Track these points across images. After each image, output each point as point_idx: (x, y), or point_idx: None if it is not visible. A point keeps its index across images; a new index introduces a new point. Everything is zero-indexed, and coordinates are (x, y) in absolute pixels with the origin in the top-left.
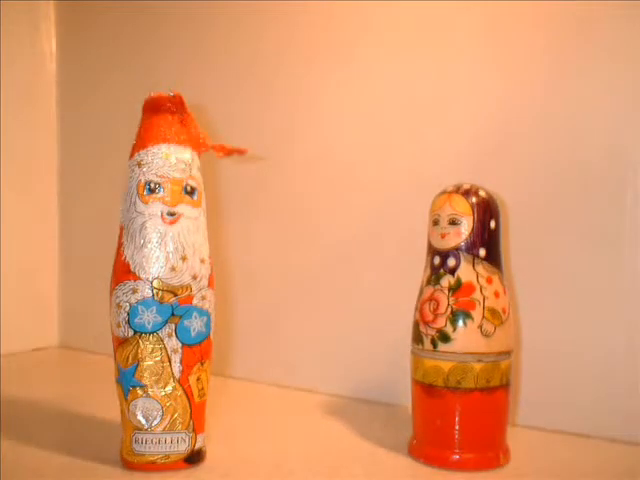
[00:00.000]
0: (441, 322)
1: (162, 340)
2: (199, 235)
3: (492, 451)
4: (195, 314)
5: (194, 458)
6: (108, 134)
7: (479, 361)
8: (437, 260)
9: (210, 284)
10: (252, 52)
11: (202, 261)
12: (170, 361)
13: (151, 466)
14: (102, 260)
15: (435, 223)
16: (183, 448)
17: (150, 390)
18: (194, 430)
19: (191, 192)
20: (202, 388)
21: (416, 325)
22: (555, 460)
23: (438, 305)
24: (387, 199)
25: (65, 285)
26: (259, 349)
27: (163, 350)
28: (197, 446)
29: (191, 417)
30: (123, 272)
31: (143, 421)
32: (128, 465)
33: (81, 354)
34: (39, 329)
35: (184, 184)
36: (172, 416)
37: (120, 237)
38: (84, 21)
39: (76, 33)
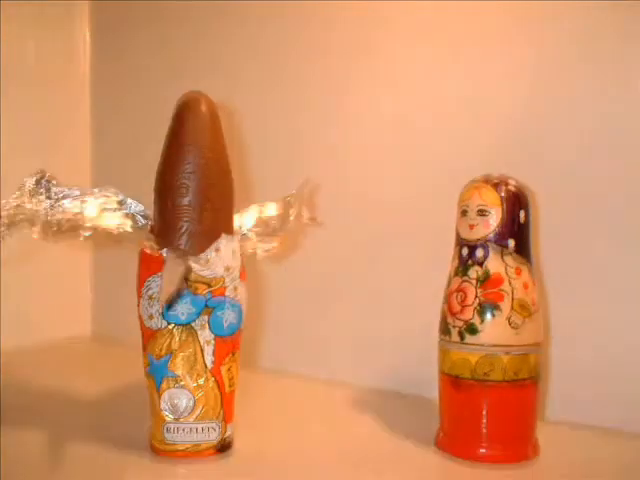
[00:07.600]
0: (469, 314)
1: (195, 331)
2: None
3: (520, 445)
4: (228, 306)
5: (223, 446)
6: (141, 128)
7: (507, 353)
8: (465, 251)
9: (242, 276)
10: (280, 50)
11: (234, 253)
12: (203, 352)
13: (182, 454)
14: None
15: (463, 214)
16: (214, 437)
17: (183, 380)
18: (224, 419)
19: None
20: (232, 378)
21: (443, 316)
22: (585, 455)
23: (466, 296)
24: (416, 191)
25: (97, 275)
26: (288, 341)
27: (196, 341)
28: (227, 435)
29: (222, 407)
30: (156, 264)
31: (176, 411)
32: (159, 453)
33: (113, 345)
34: (72, 319)
35: None
36: (204, 406)
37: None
38: (118, 16)
39: (110, 28)
